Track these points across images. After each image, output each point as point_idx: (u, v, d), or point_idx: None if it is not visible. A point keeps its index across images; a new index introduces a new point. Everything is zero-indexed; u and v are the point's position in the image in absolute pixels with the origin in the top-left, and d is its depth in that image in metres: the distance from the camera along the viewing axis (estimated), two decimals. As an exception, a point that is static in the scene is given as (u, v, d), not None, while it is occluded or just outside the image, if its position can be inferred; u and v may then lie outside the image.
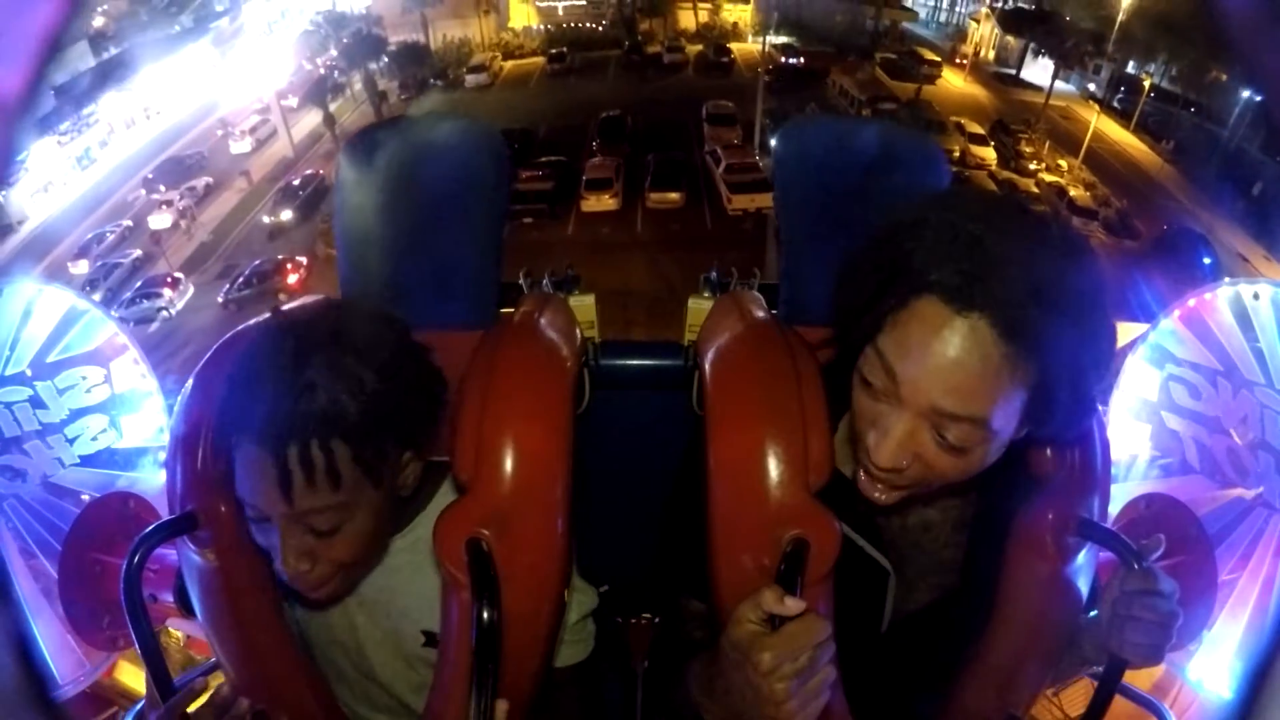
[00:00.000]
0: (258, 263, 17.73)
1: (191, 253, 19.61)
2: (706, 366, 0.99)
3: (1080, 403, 0.79)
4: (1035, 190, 19.47)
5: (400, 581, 1.02)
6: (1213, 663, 1.49)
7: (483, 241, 1.19)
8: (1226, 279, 1.55)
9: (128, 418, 1.68)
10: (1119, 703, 0.95)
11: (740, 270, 1.39)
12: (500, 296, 1.22)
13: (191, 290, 17.65)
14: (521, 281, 1.37)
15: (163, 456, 1.60)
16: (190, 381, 0.99)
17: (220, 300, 16.83)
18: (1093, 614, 0.99)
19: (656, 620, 1.57)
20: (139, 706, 1.00)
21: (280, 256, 17.87)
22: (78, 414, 1.64)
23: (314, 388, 0.81)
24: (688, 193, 19.32)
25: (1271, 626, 0.45)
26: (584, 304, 1.35)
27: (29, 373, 1.59)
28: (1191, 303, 1.58)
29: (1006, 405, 0.75)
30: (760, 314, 1.05)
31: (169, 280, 17.56)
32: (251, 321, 1.03)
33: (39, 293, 1.59)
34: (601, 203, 19.15)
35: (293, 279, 16.95)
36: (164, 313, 16.84)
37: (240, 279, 17.21)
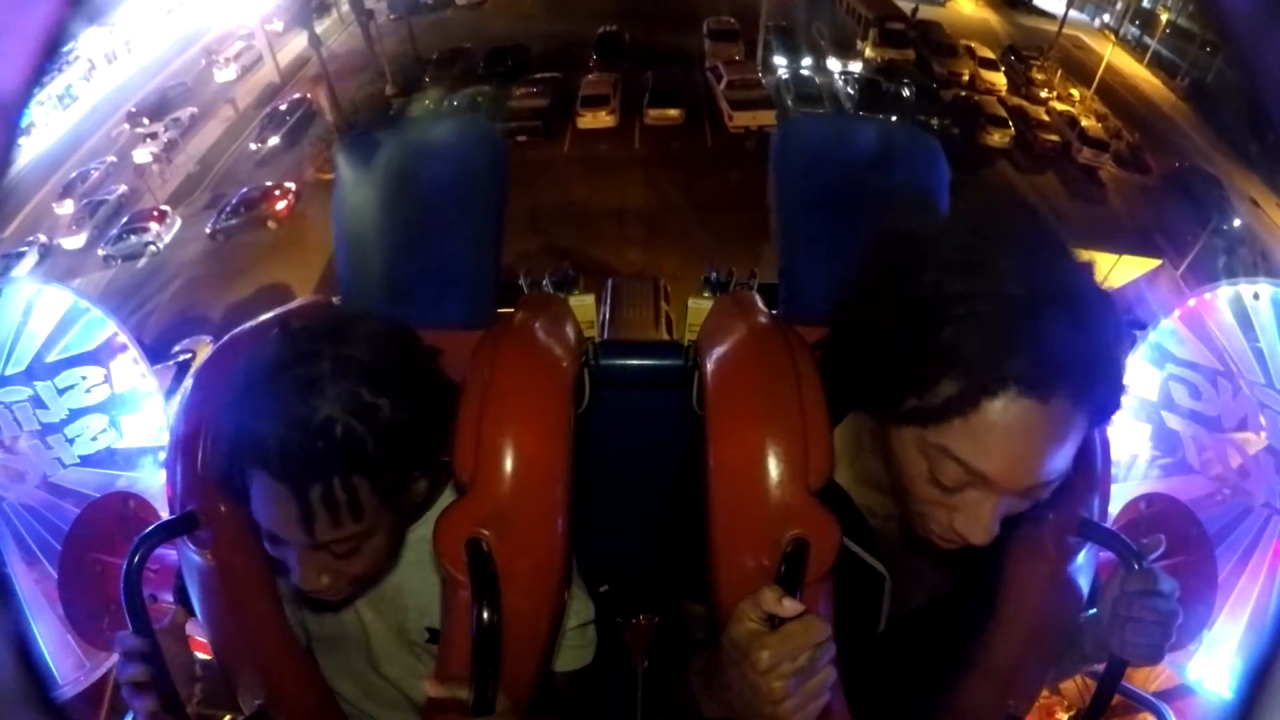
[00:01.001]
0: (245, 190, 16.82)
1: (178, 185, 18.58)
2: (706, 366, 0.99)
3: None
4: (1045, 118, 18.62)
5: (406, 578, 1.02)
6: (1213, 663, 1.48)
7: (481, 241, 1.19)
8: (1225, 281, 1.55)
9: (128, 418, 1.67)
10: (1119, 702, 0.95)
11: (739, 265, 1.39)
12: (500, 296, 1.22)
13: (179, 223, 16.72)
14: (521, 281, 1.37)
15: (163, 456, 1.60)
16: (190, 381, 0.99)
17: (208, 231, 16.07)
18: (1092, 611, 0.99)
19: (656, 620, 1.57)
20: None
21: (268, 183, 16.98)
22: (78, 414, 1.64)
23: (331, 423, 0.79)
24: (688, 109, 18.39)
25: (1271, 626, 0.45)
26: (584, 304, 1.35)
27: (29, 373, 1.58)
28: (1191, 303, 1.58)
29: (1077, 446, 0.76)
30: (760, 314, 1.05)
31: (155, 214, 16.67)
32: (251, 324, 1.03)
33: (38, 292, 1.59)
34: (598, 119, 18.20)
35: (280, 205, 16.16)
36: (151, 247, 15.98)
37: (228, 208, 16.37)
